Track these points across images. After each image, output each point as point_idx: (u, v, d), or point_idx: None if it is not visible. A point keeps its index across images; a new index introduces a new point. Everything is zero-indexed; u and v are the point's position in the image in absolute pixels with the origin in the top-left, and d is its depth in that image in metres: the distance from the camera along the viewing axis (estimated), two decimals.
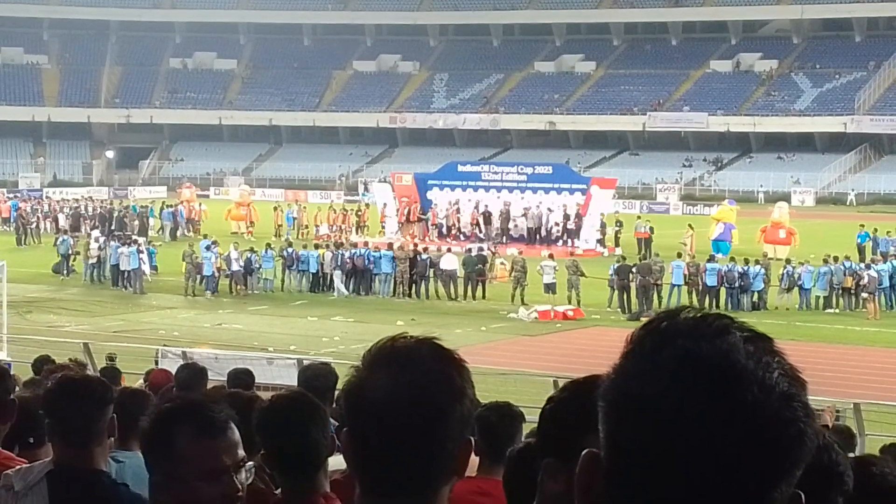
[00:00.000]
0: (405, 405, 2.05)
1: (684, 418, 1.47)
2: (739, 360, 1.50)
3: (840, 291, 38.55)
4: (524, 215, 54.12)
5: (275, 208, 61.19)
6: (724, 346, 1.51)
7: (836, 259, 39.18)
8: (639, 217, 59.22)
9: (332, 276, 41.34)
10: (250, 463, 3.27)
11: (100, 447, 4.11)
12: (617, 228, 54.28)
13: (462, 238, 53.36)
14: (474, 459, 5.69)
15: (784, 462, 1.50)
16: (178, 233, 58.54)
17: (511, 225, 54.14)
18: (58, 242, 46.51)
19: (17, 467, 4.10)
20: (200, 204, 64.36)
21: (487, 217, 54.51)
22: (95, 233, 49.44)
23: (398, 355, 2.10)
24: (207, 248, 41.86)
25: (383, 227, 55.99)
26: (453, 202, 55.45)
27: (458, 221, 55.08)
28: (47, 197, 74.62)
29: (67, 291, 41.44)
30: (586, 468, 1.59)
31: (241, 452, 3.22)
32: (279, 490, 4.07)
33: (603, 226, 53.60)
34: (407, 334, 2.16)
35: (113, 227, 55.51)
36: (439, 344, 2.15)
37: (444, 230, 54.76)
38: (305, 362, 14.44)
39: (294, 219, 60.31)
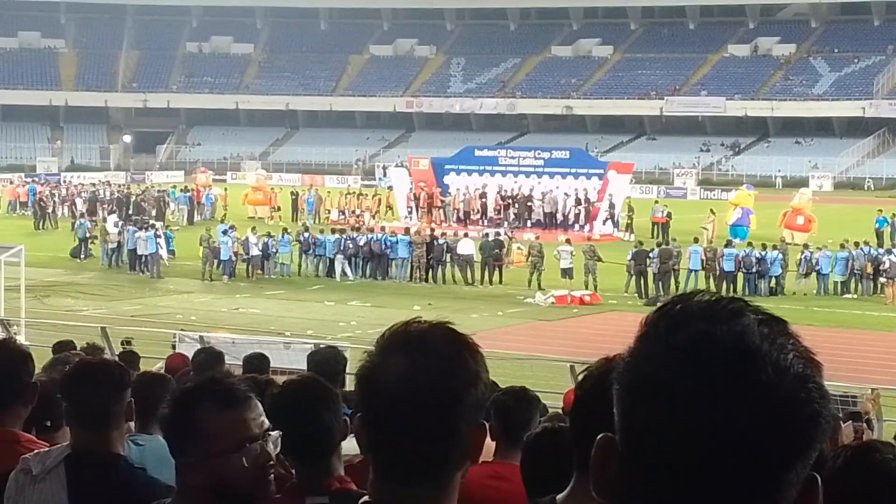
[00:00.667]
0: (419, 389, 2.06)
1: (699, 400, 1.47)
2: (754, 342, 1.50)
3: (860, 276, 38.44)
4: (542, 199, 54.05)
5: (293, 193, 61.32)
6: (738, 328, 1.51)
7: (856, 244, 39.04)
8: (656, 202, 59.08)
9: (334, 260, 41.48)
10: (276, 432, 3.27)
11: (117, 431, 4.12)
12: (629, 213, 54.11)
13: (485, 223, 53.08)
14: (490, 444, 5.70)
15: (799, 443, 1.50)
16: (197, 217, 58.70)
17: (533, 207, 54.05)
18: (76, 227, 46.70)
19: (36, 451, 4.11)
20: (210, 187, 64.12)
21: (509, 202, 54.36)
22: (113, 217, 49.57)
23: (412, 340, 2.10)
24: (224, 232, 41.98)
25: (394, 211, 56.01)
26: (476, 187, 55.22)
27: (483, 207, 54.76)
28: (65, 181, 74.85)
29: (85, 276, 41.56)
30: (602, 451, 1.59)
31: (266, 422, 3.22)
32: (294, 474, 4.07)
33: (621, 209, 53.53)
34: (420, 319, 2.16)
35: (130, 212, 55.72)
36: (453, 328, 2.15)
37: (462, 215, 54.66)
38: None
39: (313, 203, 60.47)
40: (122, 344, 19.44)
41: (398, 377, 2.07)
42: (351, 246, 41.40)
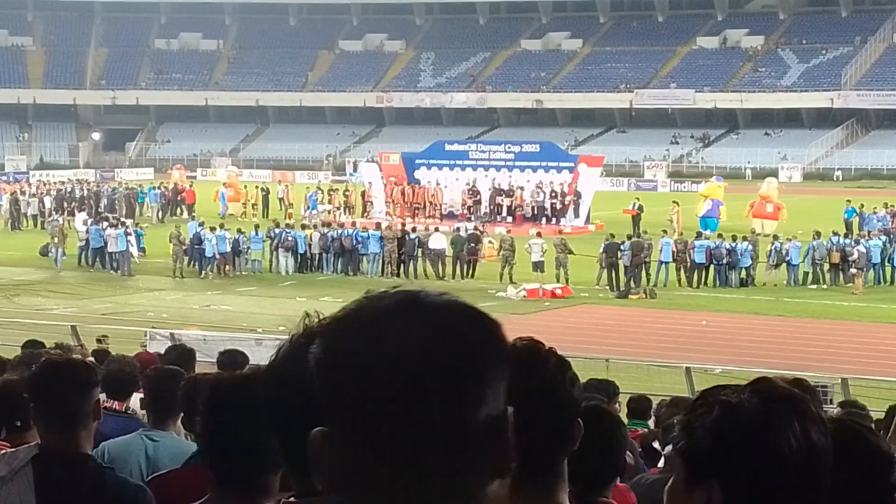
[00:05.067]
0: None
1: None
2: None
3: (828, 266, 38.61)
4: (510, 193, 53.97)
5: (263, 189, 61.15)
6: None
7: (817, 234, 39.16)
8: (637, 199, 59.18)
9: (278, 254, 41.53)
10: None
11: (85, 430, 4.08)
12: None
13: (478, 218, 52.56)
14: None
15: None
16: (168, 214, 58.57)
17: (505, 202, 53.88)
18: (46, 224, 46.43)
19: (2, 452, 4.07)
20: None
21: (477, 195, 54.17)
22: (82, 215, 49.27)
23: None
24: (201, 225, 41.93)
25: (370, 206, 55.85)
26: (466, 182, 54.78)
27: (477, 203, 54.21)
28: (37, 180, 74.41)
29: (55, 274, 41.28)
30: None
31: None
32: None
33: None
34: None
35: (100, 210, 55.41)
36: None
37: (447, 211, 54.19)
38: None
39: (280, 199, 60.37)
40: (96, 342, 19.38)
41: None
42: (289, 240, 41.35)
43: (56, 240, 42.55)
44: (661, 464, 8.64)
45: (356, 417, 1.55)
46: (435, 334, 1.56)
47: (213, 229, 41.26)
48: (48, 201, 58.51)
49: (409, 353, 1.54)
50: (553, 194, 53.17)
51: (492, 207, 53.90)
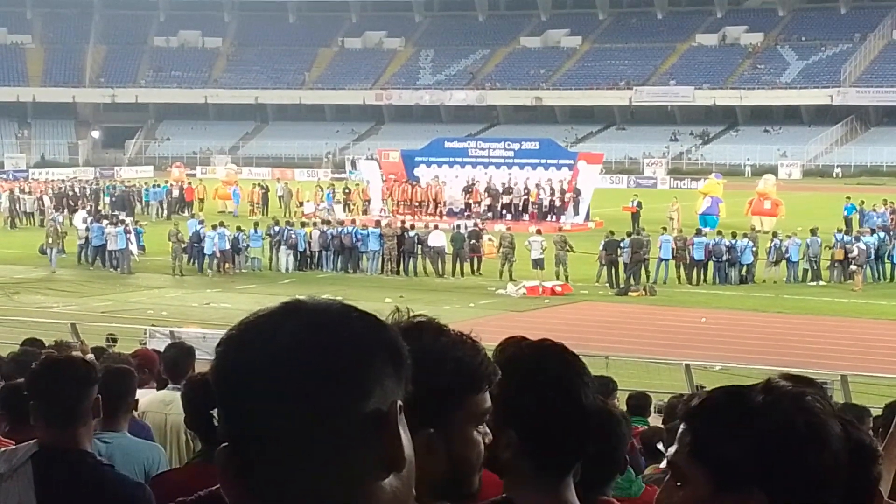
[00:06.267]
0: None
1: None
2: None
3: (828, 263, 38.60)
4: (510, 191, 53.98)
5: (262, 187, 61.06)
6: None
7: (812, 232, 39.14)
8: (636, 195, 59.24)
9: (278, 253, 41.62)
10: None
11: (84, 427, 4.09)
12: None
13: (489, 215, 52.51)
14: None
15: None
16: (173, 210, 58.62)
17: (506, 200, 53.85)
18: (47, 223, 46.40)
19: (2, 449, 4.07)
20: (189, 183, 63.90)
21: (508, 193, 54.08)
22: (82, 213, 49.25)
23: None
24: (201, 223, 41.93)
25: (367, 204, 55.86)
26: (476, 179, 54.71)
27: (493, 199, 54.09)
28: (34, 179, 74.44)
29: (55, 272, 41.27)
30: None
31: None
32: None
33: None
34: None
35: (100, 208, 55.45)
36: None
37: (456, 207, 54.16)
38: None
39: (280, 196, 60.30)
40: (105, 341, 19.43)
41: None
42: (292, 237, 41.37)
43: (51, 239, 42.41)
44: (662, 464, 8.61)
45: (241, 418, 1.59)
46: (309, 331, 1.59)
47: (214, 227, 41.30)
48: (47, 200, 58.55)
49: (285, 351, 1.58)
50: (552, 191, 53.18)
51: (495, 204, 53.78)
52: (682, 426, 2.10)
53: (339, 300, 1.66)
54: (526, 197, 53.73)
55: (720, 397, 2.09)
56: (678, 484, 2.07)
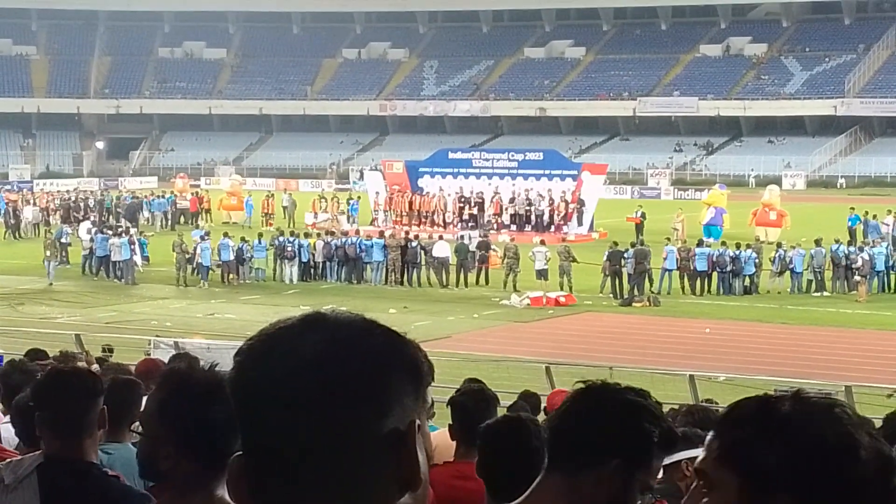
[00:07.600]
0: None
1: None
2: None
3: (831, 274, 38.56)
4: (513, 201, 53.98)
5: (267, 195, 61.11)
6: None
7: (816, 242, 39.10)
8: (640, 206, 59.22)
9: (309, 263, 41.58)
10: None
11: (90, 439, 4.09)
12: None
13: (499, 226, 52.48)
14: (451, 445, 5.74)
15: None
16: (177, 221, 58.68)
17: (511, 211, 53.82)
18: (54, 234, 46.31)
19: (8, 460, 4.08)
20: (196, 193, 63.93)
21: (480, 204, 54.15)
22: (86, 224, 49.28)
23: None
24: (202, 237, 41.91)
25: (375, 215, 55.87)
26: (479, 190, 54.67)
27: (500, 210, 54.06)
28: (41, 189, 74.55)
29: (59, 283, 41.31)
30: None
31: None
32: None
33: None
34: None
35: (104, 218, 55.51)
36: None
37: (468, 217, 54.09)
38: None
39: (284, 207, 60.30)
40: (102, 351, 19.40)
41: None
42: (288, 250, 41.38)
43: (49, 252, 42.05)
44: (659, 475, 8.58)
45: (258, 428, 1.57)
46: (332, 345, 1.57)
47: (203, 238, 41.30)
48: (50, 210, 58.62)
49: (305, 363, 1.56)
50: (550, 202, 53.10)
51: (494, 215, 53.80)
52: (709, 434, 2.11)
53: (361, 315, 1.65)
54: (529, 208, 53.73)
55: (750, 405, 2.09)
56: (704, 490, 2.08)
